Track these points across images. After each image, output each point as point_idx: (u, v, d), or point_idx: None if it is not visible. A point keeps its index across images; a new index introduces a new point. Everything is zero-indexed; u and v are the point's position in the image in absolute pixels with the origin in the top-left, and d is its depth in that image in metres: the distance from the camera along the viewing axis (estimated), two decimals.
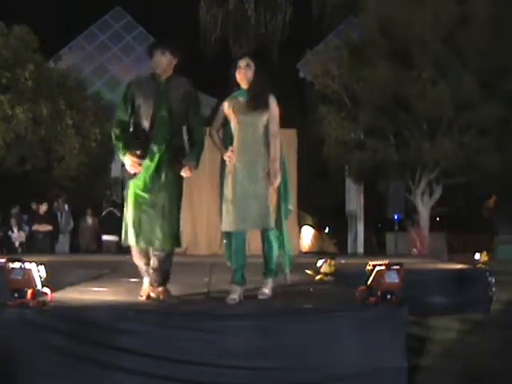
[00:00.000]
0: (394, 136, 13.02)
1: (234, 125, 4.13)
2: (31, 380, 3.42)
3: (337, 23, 16.27)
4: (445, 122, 12.39)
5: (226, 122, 4.20)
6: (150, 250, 4.07)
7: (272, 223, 4.02)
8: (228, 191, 4.04)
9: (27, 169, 12.68)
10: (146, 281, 4.19)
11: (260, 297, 4.13)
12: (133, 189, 4.02)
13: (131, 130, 4.07)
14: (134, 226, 3.97)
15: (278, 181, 4.01)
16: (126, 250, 4.29)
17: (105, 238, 11.81)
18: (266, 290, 4.16)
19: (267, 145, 4.07)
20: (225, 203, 4.05)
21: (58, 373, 3.41)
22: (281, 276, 4.35)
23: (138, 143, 3.97)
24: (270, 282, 4.20)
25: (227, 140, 4.19)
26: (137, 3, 17.90)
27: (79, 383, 3.41)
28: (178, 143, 4.09)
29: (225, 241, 4.23)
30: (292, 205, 4.49)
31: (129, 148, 3.95)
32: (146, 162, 3.97)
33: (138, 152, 3.94)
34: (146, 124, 3.98)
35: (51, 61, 14.57)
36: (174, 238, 4.06)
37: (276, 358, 3.48)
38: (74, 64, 14.81)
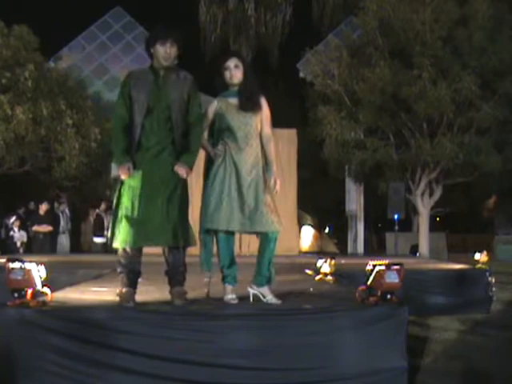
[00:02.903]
0: (393, 136, 13.02)
1: (224, 126, 4.00)
2: (31, 380, 3.41)
3: (337, 23, 16.27)
4: (445, 122, 12.38)
5: (213, 123, 4.07)
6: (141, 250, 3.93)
7: (264, 227, 3.88)
8: (215, 191, 3.94)
9: (27, 169, 12.69)
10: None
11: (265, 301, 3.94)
12: (128, 188, 3.83)
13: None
14: (132, 226, 3.77)
15: (277, 184, 3.94)
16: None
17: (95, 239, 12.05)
18: (269, 297, 3.93)
19: (260, 147, 4.00)
20: (212, 201, 3.97)
21: (58, 373, 3.40)
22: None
23: (136, 143, 3.82)
24: (265, 289, 3.97)
25: (214, 140, 4.06)
26: (137, 3, 17.92)
27: (79, 383, 3.41)
28: (179, 136, 3.90)
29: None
30: (292, 204, 4.32)
31: (125, 157, 3.80)
32: (141, 155, 3.82)
33: (131, 165, 3.78)
34: (139, 117, 3.81)
35: (51, 61, 14.57)
36: (186, 234, 4.00)
37: (276, 357, 3.48)
38: (74, 64, 14.80)
